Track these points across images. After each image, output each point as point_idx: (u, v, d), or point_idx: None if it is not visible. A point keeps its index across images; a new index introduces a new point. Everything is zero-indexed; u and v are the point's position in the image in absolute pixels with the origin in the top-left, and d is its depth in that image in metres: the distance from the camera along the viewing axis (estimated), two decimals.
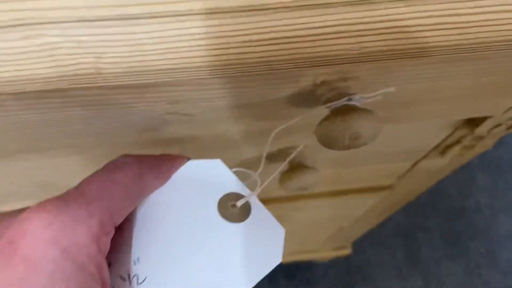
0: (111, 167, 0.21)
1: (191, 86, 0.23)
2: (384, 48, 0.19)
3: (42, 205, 0.18)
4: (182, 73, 0.18)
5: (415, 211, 1.09)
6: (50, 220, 0.18)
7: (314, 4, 0.18)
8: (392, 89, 0.23)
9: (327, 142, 0.25)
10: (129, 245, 0.23)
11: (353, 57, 0.19)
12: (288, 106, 0.28)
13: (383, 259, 1.05)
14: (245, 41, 0.18)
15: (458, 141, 0.42)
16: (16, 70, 0.17)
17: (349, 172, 0.47)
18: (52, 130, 0.27)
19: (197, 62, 0.18)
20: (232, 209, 0.25)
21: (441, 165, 0.49)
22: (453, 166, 0.51)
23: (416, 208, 1.08)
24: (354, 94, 0.25)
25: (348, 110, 0.25)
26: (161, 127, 0.29)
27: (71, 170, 0.35)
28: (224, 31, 0.18)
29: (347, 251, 0.90)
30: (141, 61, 0.17)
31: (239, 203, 0.25)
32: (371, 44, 0.18)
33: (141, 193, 0.22)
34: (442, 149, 0.45)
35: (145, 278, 0.23)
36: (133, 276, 0.23)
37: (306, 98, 0.27)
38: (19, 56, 0.17)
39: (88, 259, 0.18)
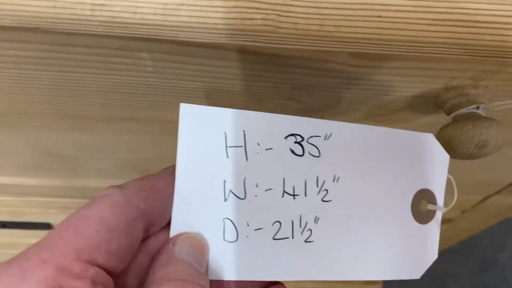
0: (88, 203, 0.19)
1: (323, 71, 0.23)
2: None
3: None
4: (358, 44, 0.18)
5: (447, 257, 1.06)
6: None
7: None
8: None
9: (452, 147, 0.24)
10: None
11: None
12: (405, 109, 0.27)
13: None
14: (427, 19, 0.17)
15: None
16: (197, 16, 0.17)
17: None
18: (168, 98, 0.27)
19: (378, 34, 0.17)
20: (421, 205, 0.24)
21: (510, 204, 0.48)
22: None
23: (449, 254, 1.06)
24: (481, 103, 0.25)
25: (477, 118, 0.24)
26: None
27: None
28: (405, 6, 0.17)
29: (378, 286, 0.87)
30: (320, 25, 0.17)
31: (430, 207, 0.24)
32: None
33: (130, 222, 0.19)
34: None
35: (313, 240, 0.22)
36: (306, 229, 0.22)
37: (428, 102, 0.26)
38: (205, 2, 0.17)
39: None
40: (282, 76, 0.24)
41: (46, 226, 0.56)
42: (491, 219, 0.53)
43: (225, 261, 0.21)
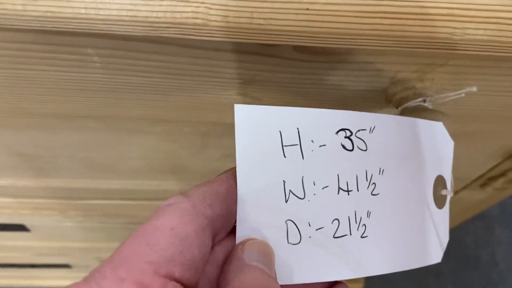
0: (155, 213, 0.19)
1: (269, 65, 0.23)
2: (485, 38, 0.19)
3: None
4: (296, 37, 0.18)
5: None
6: None
7: None
8: (474, 88, 0.23)
9: None
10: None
11: (454, 43, 0.19)
12: (356, 103, 0.27)
13: None
14: (356, 11, 0.18)
15: (503, 174, 0.42)
16: (127, 10, 0.17)
17: None
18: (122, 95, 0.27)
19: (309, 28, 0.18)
20: (437, 191, 0.25)
21: (479, 198, 0.49)
22: (489, 202, 0.51)
23: None
24: (428, 95, 0.25)
25: (423, 110, 0.24)
26: (224, 110, 0.29)
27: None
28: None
29: (359, 286, 0.88)
30: (249, 18, 0.17)
31: (443, 192, 0.25)
32: (475, 32, 0.18)
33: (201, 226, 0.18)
34: (484, 181, 0.44)
35: (368, 235, 0.22)
36: (361, 224, 0.22)
37: (377, 96, 0.27)
38: None
39: None
40: (230, 71, 0.24)
41: (21, 227, 0.56)
42: (462, 215, 0.53)
43: (291, 265, 0.20)
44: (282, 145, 0.20)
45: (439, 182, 0.25)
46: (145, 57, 0.22)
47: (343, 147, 0.21)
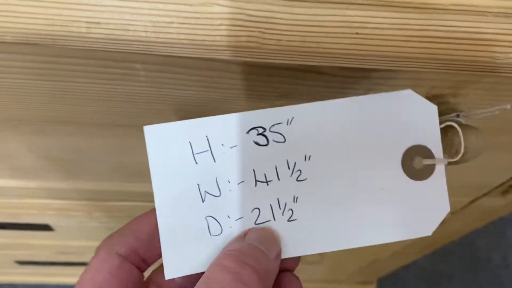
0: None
1: (306, 80, 0.24)
2: None
3: None
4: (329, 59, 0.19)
5: (441, 257, 1.07)
6: None
7: (470, 10, 0.18)
8: (508, 106, 0.23)
9: None
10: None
11: (496, 67, 0.19)
12: None
13: None
14: (403, 36, 0.18)
15: None
16: (186, 33, 0.18)
17: None
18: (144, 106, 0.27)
19: (354, 50, 0.18)
20: (414, 162, 0.24)
21: (499, 205, 0.49)
22: (509, 209, 0.51)
23: (442, 254, 1.07)
24: (461, 111, 0.26)
25: (457, 125, 0.25)
26: None
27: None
28: (382, 23, 0.18)
29: (371, 287, 0.88)
30: (301, 42, 0.18)
31: (426, 162, 0.24)
32: None
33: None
34: (506, 188, 0.45)
35: (296, 218, 0.23)
36: (287, 209, 0.23)
37: None
38: (193, 20, 0.18)
39: None
40: (269, 85, 0.25)
41: (45, 227, 0.57)
42: (480, 220, 0.54)
43: (217, 253, 0.23)
44: (193, 154, 0.22)
45: (417, 152, 0.24)
46: (188, 72, 0.23)
47: (256, 143, 0.23)
